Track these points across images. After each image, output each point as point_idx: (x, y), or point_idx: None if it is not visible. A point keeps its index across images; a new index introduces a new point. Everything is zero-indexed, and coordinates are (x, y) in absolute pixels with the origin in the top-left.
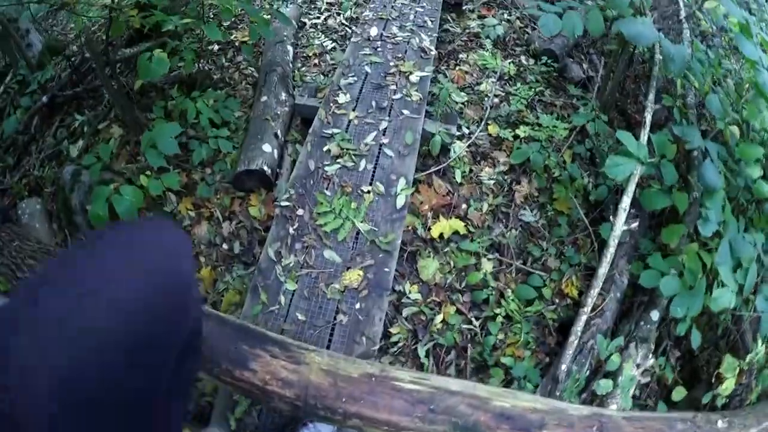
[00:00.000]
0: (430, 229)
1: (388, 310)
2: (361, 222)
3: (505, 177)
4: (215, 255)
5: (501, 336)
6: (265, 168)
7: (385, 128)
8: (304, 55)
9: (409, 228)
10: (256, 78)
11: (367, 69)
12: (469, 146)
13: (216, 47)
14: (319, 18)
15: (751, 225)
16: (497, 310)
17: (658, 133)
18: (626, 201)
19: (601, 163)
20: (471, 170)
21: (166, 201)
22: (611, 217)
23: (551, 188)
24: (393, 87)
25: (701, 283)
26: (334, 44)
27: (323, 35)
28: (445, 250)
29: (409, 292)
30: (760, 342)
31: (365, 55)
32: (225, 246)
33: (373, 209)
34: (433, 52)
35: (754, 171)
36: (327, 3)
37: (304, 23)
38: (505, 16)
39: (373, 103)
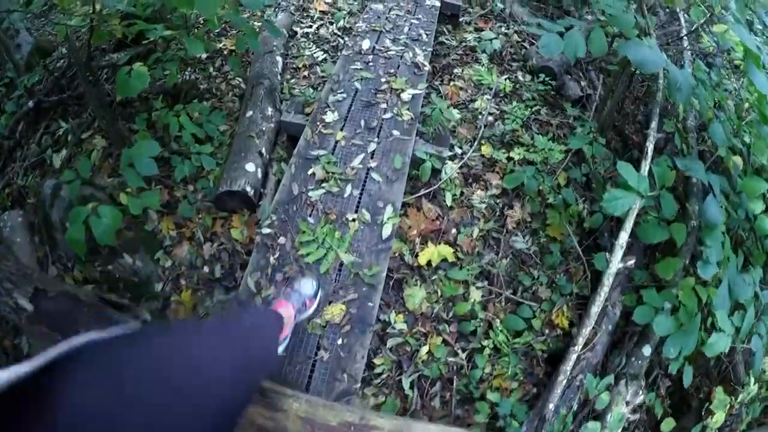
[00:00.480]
0: (417, 255)
1: (372, 340)
2: (345, 253)
3: (497, 201)
4: (196, 278)
5: (488, 369)
6: (248, 189)
7: (374, 150)
8: (294, 66)
9: (396, 254)
10: (243, 89)
11: (357, 85)
12: (461, 167)
13: (204, 55)
14: (311, 27)
15: (750, 257)
16: (485, 342)
17: (658, 160)
18: (623, 237)
19: (597, 188)
20: (462, 193)
21: (147, 219)
22: (607, 248)
23: (544, 213)
24: (383, 105)
25: (695, 321)
26: (325, 55)
27: (314, 45)
28: (433, 278)
29: (394, 322)
30: (752, 380)
31: (356, 70)
32: (206, 269)
33: (357, 239)
34: (427, 68)
35: (757, 206)
36: (320, 11)
37: (296, 32)
38: (503, 29)
39: (362, 123)
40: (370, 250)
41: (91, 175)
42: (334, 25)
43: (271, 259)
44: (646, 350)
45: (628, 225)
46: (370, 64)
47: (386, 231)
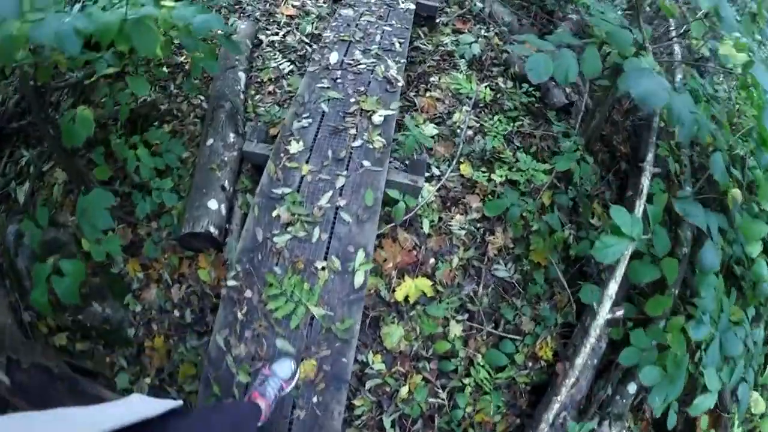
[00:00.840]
0: (394, 290)
1: (350, 381)
2: (315, 306)
3: (478, 226)
4: (167, 323)
5: (469, 409)
6: (212, 229)
7: (343, 186)
8: (259, 80)
9: (372, 291)
10: (205, 109)
11: (324, 107)
12: (438, 190)
13: (165, 69)
14: (277, 35)
15: (743, 294)
16: (466, 380)
17: (652, 194)
18: (612, 288)
19: (585, 212)
20: (440, 218)
21: (112, 262)
22: (593, 275)
23: (528, 238)
24: (353, 131)
25: (682, 368)
26: (291, 66)
27: (280, 55)
28: (411, 314)
29: (372, 363)
30: (737, 424)
31: (323, 89)
32: (176, 313)
33: (328, 290)
34: (400, 83)
35: (755, 248)
36: (287, 16)
37: (261, 41)
38: (482, 32)
39: (330, 153)
40: (342, 302)
41: (54, 212)
42: (302, 31)
43: (239, 314)
44: (631, 387)
45: (619, 273)
46: (338, 81)
47: (358, 279)
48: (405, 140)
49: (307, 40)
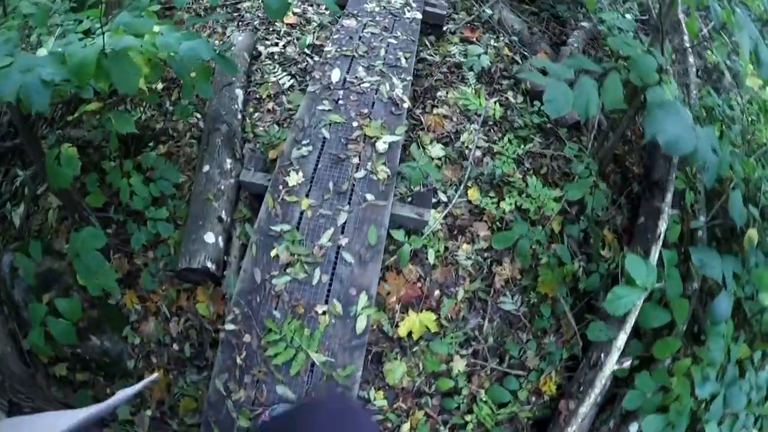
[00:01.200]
0: (397, 325)
1: None
2: (316, 352)
3: (485, 256)
4: (166, 356)
5: None
6: (209, 264)
7: (345, 222)
8: (258, 96)
9: (374, 327)
10: (201, 130)
11: (325, 133)
12: (445, 217)
13: (160, 85)
14: (277, 45)
15: (750, 331)
16: (468, 417)
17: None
18: (622, 339)
19: (596, 244)
20: (446, 248)
21: (109, 293)
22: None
23: (536, 269)
24: (355, 160)
25: (684, 415)
26: (292, 81)
27: (280, 68)
28: (414, 349)
29: (374, 399)
30: None
31: (324, 112)
32: (176, 347)
33: (329, 335)
34: (406, 105)
35: (766, 297)
36: (288, 25)
37: (260, 53)
38: (492, 42)
39: (331, 185)
40: (344, 348)
41: (50, 239)
42: (303, 41)
43: (238, 359)
44: (633, 427)
45: (629, 324)
46: (340, 102)
47: (360, 324)
48: (411, 172)
49: (308, 52)
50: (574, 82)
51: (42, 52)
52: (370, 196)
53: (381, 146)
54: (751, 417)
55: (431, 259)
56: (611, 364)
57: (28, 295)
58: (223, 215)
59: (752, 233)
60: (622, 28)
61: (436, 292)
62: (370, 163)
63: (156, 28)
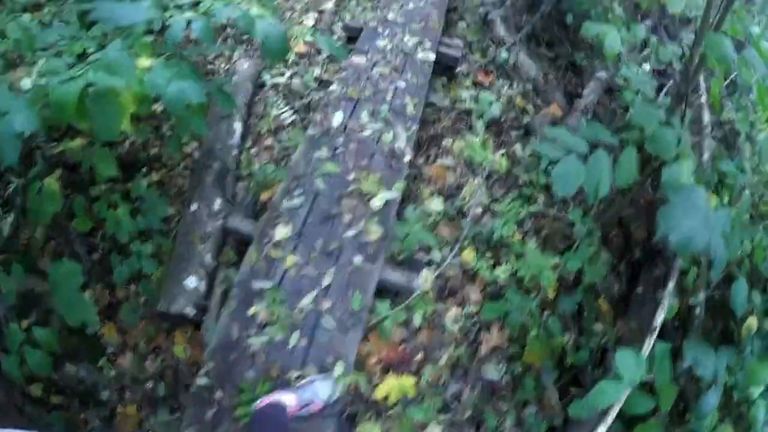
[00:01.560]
0: (376, 387)
1: None
2: None
3: (474, 321)
4: (140, 393)
5: None
6: (188, 310)
7: (329, 285)
8: (258, 130)
9: (352, 387)
10: (196, 161)
11: (319, 184)
12: (436, 278)
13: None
14: (283, 75)
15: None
16: None
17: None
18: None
19: (589, 318)
20: (434, 311)
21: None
22: (587, 386)
23: (524, 337)
24: (348, 217)
25: None
26: (294, 116)
27: (284, 102)
28: (390, 413)
29: None
30: None
31: (320, 160)
32: (150, 384)
33: None
34: (408, 157)
35: (756, 391)
36: (297, 54)
37: (264, 83)
38: (505, 88)
39: (319, 243)
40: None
41: (36, 258)
42: (310, 74)
43: (208, 413)
44: None
45: (610, 418)
46: (339, 150)
47: (335, 393)
48: (404, 236)
49: (314, 85)
50: (588, 154)
51: (26, 83)
52: (358, 259)
53: (376, 204)
54: None
55: (417, 321)
56: None
57: (10, 313)
58: (208, 259)
59: (751, 322)
60: (639, 88)
61: (419, 356)
62: (362, 223)
63: (147, 63)
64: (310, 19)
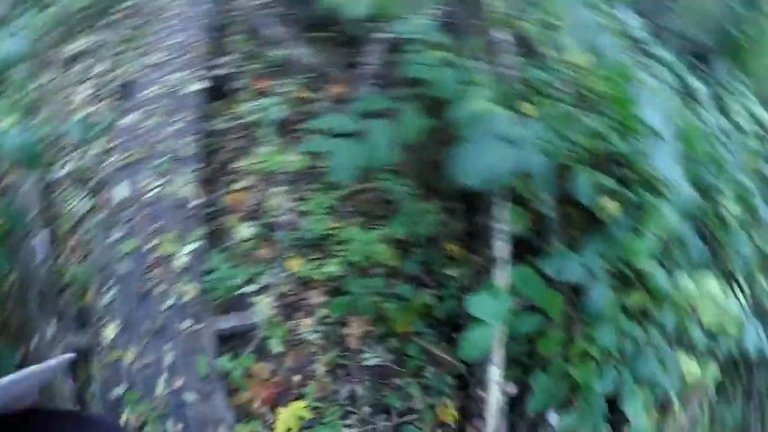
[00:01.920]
0: (273, 428)
1: None
2: None
3: (329, 322)
4: None
5: None
6: None
7: (172, 363)
8: (61, 233)
9: None
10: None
11: (123, 268)
12: (277, 300)
13: None
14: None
15: None
16: None
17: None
18: (495, 373)
19: (438, 267)
20: (288, 330)
21: None
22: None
23: (386, 316)
24: (161, 287)
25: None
26: (92, 201)
27: (77, 188)
28: None
29: None
30: None
31: (117, 242)
32: None
33: None
34: (197, 201)
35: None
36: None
37: (52, 178)
38: (286, 86)
39: (146, 326)
40: None
41: None
42: (93, 149)
43: None
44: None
45: (498, 358)
46: (131, 223)
47: None
48: (217, 286)
49: (99, 161)
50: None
51: None
52: (187, 323)
53: (182, 261)
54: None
55: (276, 347)
56: (495, 401)
57: None
58: (65, 392)
59: (608, 205)
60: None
61: (297, 378)
62: (176, 287)
63: None
64: (88, 90)
